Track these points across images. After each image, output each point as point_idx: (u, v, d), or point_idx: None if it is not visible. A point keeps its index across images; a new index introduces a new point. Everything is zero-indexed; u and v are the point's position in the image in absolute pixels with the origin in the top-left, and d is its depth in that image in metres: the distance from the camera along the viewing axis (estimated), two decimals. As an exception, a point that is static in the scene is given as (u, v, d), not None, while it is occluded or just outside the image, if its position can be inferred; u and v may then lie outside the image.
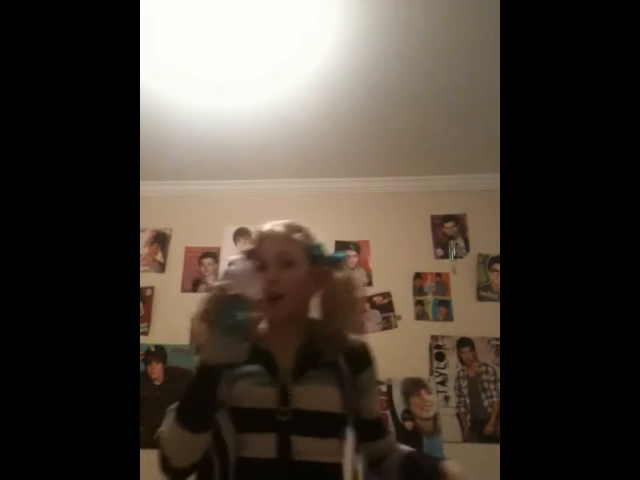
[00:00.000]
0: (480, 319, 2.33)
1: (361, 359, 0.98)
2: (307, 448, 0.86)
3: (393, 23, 1.64)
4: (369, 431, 0.99)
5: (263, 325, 0.94)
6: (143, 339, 2.35)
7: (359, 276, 2.41)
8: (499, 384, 2.22)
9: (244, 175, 2.60)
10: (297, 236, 0.99)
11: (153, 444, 0.83)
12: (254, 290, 0.82)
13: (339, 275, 0.98)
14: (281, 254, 0.96)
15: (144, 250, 2.58)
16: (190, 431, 0.79)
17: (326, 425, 0.90)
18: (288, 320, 0.97)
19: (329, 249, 1.04)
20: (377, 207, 2.60)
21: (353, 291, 0.98)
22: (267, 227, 1.02)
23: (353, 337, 0.99)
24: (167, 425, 0.83)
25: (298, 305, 0.97)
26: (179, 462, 0.81)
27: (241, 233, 2.61)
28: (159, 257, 2.58)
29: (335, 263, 1.01)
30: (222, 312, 0.78)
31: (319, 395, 0.90)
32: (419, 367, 2.28)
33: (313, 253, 0.99)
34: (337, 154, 2.41)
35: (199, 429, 0.80)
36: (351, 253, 2.50)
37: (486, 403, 2.22)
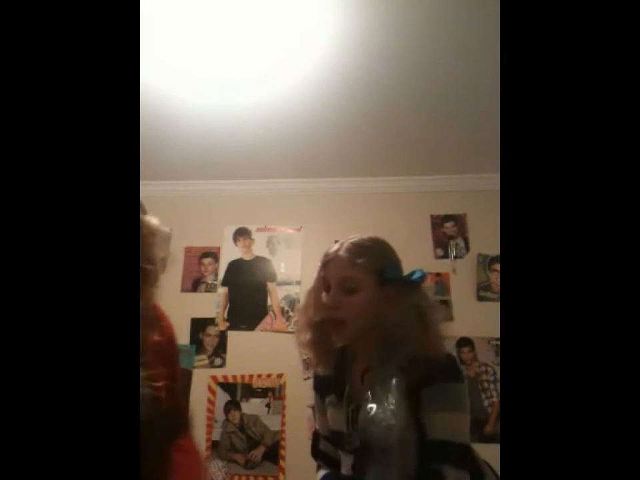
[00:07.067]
0: (480, 319, 2.32)
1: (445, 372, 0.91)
2: (380, 467, 0.86)
3: (393, 23, 1.64)
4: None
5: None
6: (143, 339, 2.35)
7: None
8: (498, 384, 2.22)
9: (244, 175, 2.60)
10: (361, 261, 0.92)
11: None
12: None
13: (412, 298, 0.91)
14: (344, 280, 0.92)
15: (144, 250, 2.57)
16: None
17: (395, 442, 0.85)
18: (361, 341, 0.94)
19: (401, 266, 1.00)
20: (377, 207, 2.60)
21: (428, 315, 0.91)
22: (334, 247, 0.96)
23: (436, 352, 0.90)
24: None
25: (366, 329, 0.92)
26: None
27: (240, 233, 2.61)
28: (159, 256, 2.58)
29: (411, 284, 0.94)
30: None
31: (383, 414, 0.85)
32: (419, 367, 2.28)
33: (384, 276, 0.93)
34: (336, 154, 2.41)
35: None
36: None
37: (486, 403, 2.22)
